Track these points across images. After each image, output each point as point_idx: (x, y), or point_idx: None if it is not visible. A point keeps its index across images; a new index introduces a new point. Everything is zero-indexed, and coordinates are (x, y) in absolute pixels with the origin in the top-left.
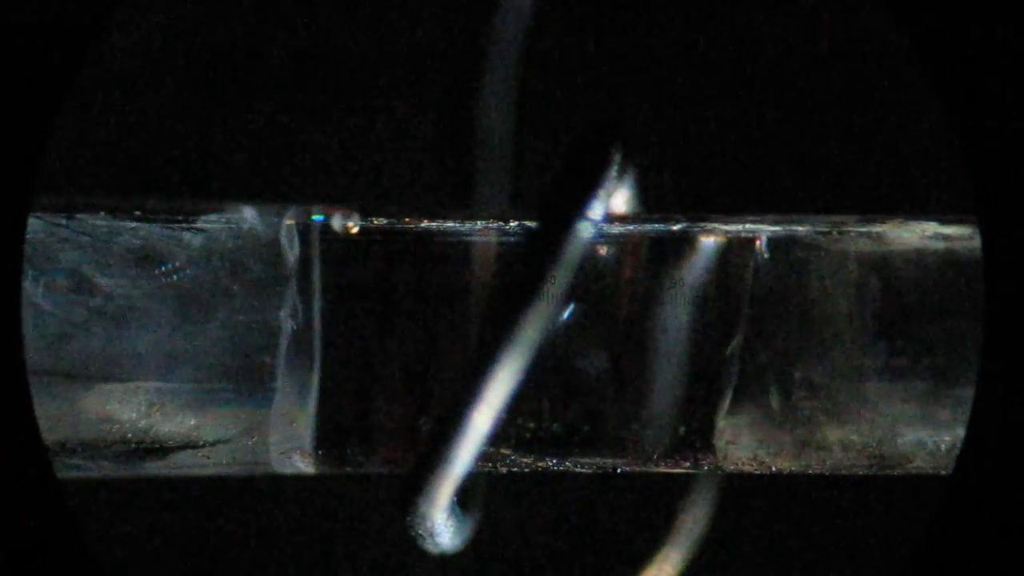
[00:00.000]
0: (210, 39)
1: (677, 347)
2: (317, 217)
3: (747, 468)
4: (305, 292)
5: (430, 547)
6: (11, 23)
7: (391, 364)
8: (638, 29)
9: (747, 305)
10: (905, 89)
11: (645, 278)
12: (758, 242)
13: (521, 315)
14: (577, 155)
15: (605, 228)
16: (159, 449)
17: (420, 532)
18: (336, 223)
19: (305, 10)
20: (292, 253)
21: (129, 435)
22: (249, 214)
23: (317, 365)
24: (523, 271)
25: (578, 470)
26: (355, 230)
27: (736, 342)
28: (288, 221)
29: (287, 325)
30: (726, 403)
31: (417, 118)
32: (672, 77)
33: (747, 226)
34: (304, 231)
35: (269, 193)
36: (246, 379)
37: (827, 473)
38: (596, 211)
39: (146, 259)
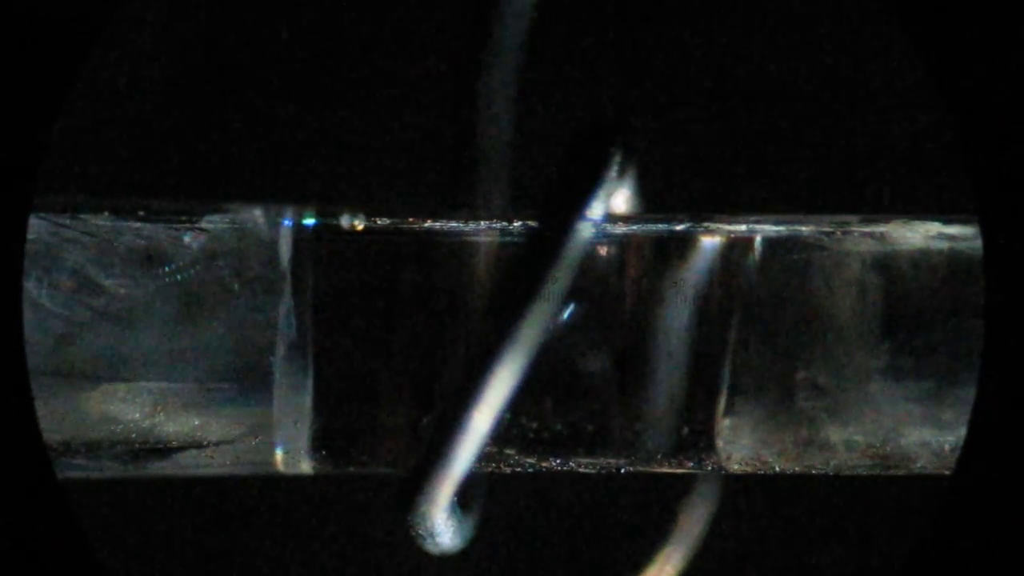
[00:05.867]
0: (213, 39)
1: (680, 347)
2: (308, 221)
3: (750, 468)
4: (300, 293)
5: (430, 547)
6: (14, 21)
7: (390, 364)
8: (640, 27)
9: (742, 304)
10: (908, 88)
11: (648, 278)
12: (754, 241)
13: (521, 315)
14: (577, 154)
15: (607, 227)
16: (163, 449)
17: (421, 532)
18: (343, 223)
19: (309, 10)
20: (287, 254)
21: (133, 435)
22: (252, 214)
23: (311, 366)
24: (523, 271)
25: (581, 470)
26: (360, 227)
27: (728, 341)
28: (285, 222)
29: (283, 326)
30: (723, 402)
31: (417, 117)
32: (674, 75)
33: (750, 226)
34: (298, 232)
35: (272, 193)
36: (250, 379)
37: (830, 473)
38: (597, 210)
39: (150, 259)
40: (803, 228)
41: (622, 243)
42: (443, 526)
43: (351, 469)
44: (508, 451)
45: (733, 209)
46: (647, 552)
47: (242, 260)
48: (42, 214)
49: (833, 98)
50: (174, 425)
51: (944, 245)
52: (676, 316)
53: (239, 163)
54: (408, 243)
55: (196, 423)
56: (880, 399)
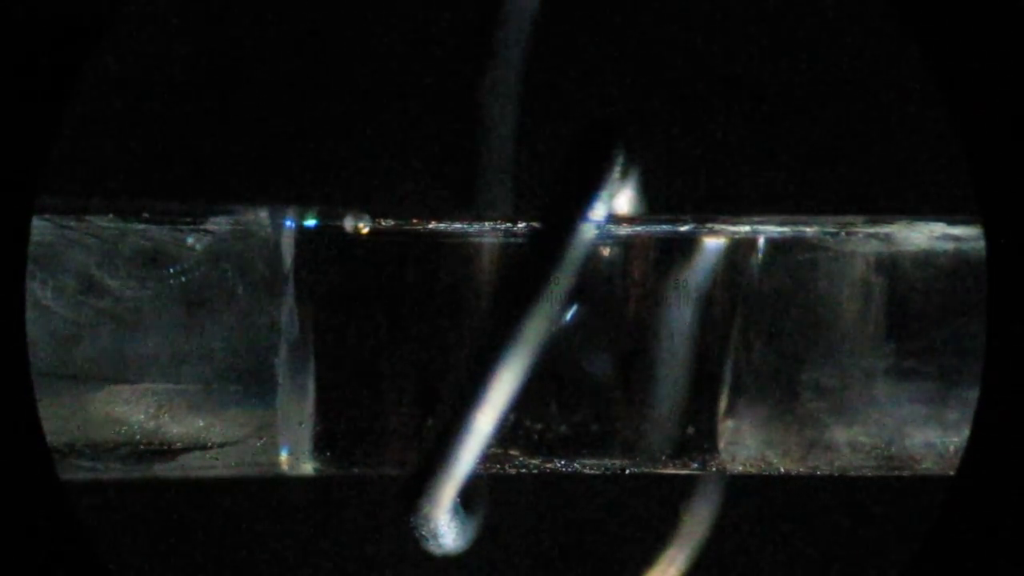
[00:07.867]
0: (217, 40)
1: (683, 348)
2: (309, 222)
3: (754, 469)
4: (303, 294)
5: (433, 548)
6: (18, 22)
7: (393, 365)
8: (642, 28)
9: (746, 305)
10: (911, 89)
11: (651, 279)
12: (758, 242)
13: (525, 316)
14: (580, 155)
15: (611, 229)
16: (168, 451)
17: (424, 533)
18: (347, 224)
19: (311, 12)
20: (290, 255)
21: (138, 436)
22: (256, 215)
23: (313, 367)
24: (527, 272)
25: (586, 471)
26: (366, 230)
27: (731, 342)
28: (288, 223)
29: (286, 327)
30: (726, 403)
31: (421, 119)
32: (678, 77)
33: (753, 227)
34: (301, 233)
35: (275, 194)
36: (253, 380)
37: (835, 474)
38: (599, 211)
39: (154, 261)
40: (807, 229)
41: (625, 244)
42: (446, 527)
43: (354, 470)
44: (513, 452)
45: (737, 210)
46: (651, 553)
47: (246, 261)
48: (46, 216)
49: (837, 99)
50: (178, 427)
51: (948, 246)
52: (679, 317)
53: (242, 165)
54: (411, 244)
55: (200, 424)
56: (884, 400)
